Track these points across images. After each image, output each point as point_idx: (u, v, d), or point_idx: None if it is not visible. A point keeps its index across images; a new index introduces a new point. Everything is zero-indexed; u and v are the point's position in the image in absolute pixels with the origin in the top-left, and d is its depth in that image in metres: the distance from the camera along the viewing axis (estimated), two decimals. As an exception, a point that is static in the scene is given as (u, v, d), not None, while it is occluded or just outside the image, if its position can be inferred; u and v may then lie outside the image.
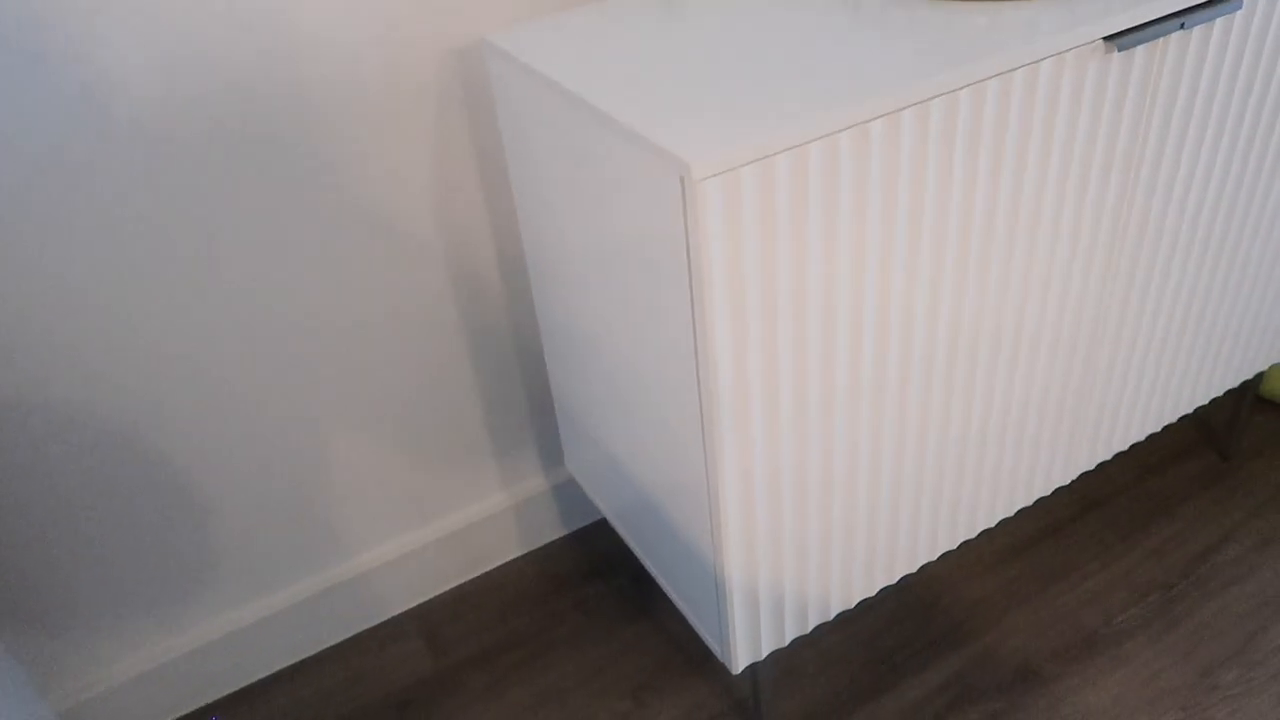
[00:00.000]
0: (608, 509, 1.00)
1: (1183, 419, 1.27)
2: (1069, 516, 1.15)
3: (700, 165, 0.55)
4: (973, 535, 0.91)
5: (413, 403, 1.01)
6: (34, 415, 0.82)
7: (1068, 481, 0.96)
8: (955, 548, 1.04)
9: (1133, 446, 1.23)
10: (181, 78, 0.75)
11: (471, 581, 1.16)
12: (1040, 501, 1.18)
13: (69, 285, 0.79)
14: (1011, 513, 0.93)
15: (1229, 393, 1.25)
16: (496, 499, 1.14)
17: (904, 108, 0.61)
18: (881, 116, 0.60)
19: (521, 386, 1.08)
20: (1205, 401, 1.02)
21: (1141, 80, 0.71)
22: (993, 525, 0.92)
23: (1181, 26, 0.69)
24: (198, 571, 0.98)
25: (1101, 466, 1.21)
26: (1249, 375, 1.05)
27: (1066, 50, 0.65)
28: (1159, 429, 1.00)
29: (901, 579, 1.05)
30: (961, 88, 0.62)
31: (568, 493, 1.18)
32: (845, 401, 0.72)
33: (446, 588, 1.15)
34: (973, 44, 0.65)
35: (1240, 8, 0.71)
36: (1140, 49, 0.69)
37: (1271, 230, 0.92)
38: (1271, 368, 1.26)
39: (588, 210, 0.72)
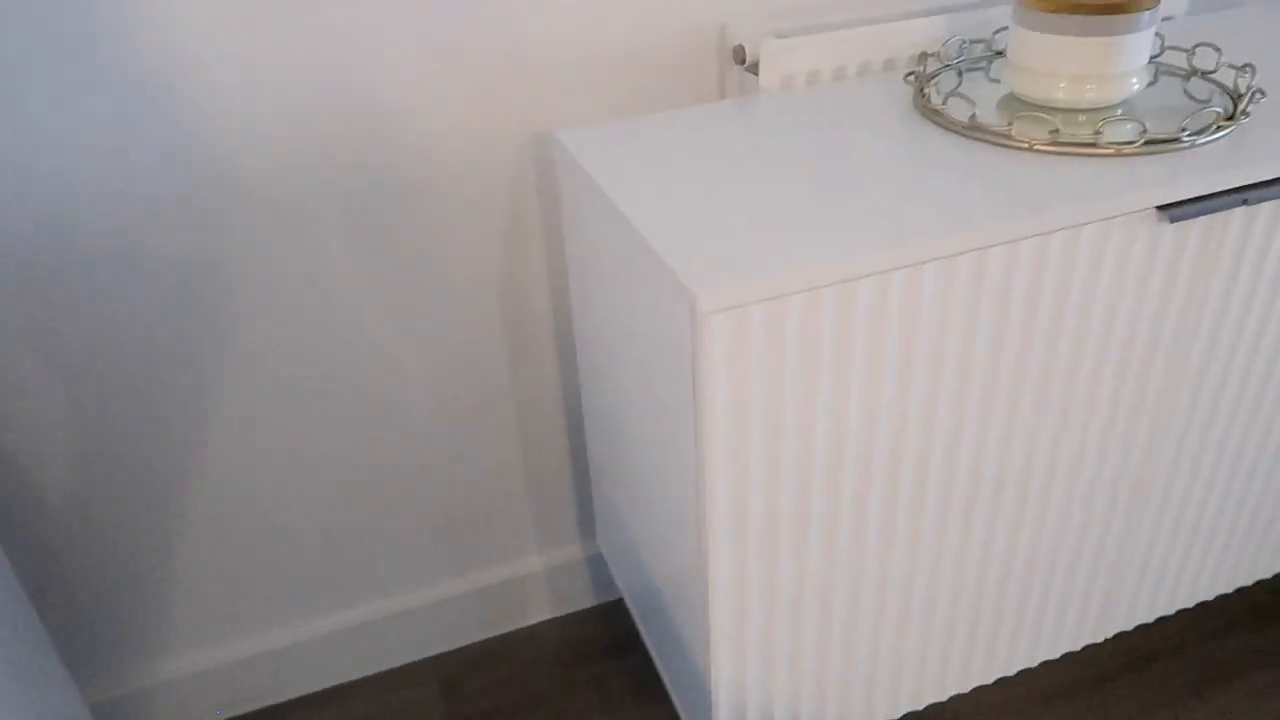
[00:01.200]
0: (624, 589, 1.01)
1: (1259, 583, 1.19)
2: (1117, 670, 1.10)
3: (708, 299, 0.57)
4: (989, 680, 0.88)
5: (462, 458, 1.05)
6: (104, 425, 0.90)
7: (1099, 640, 0.92)
8: (969, 690, 1.00)
9: (1199, 604, 1.16)
10: (286, 145, 0.81)
11: (496, 638, 1.18)
12: (1090, 647, 1.12)
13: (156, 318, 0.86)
14: (1034, 663, 0.90)
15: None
16: (532, 560, 1.17)
17: (928, 260, 0.61)
18: (904, 268, 0.60)
19: (568, 456, 1.11)
20: (1267, 575, 0.96)
21: (1198, 254, 0.69)
22: (1010, 674, 0.89)
23: (1244, 203, 0.67)
24: (239, 589, 1.04)
25: (1160, 621, 1.15)
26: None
27: (1114, 217, 0.64)
28: (1210, 597, 0.95)
29: (907, 713, 1.02)
30: (993, 246, 0.62)
31: (601, 564, 1.20)
32: (850, 536, 0.71)
33: (470, 640, 1.18)
34: (1016, 200, 0.64)
35: (1315, 188, 0.68)
36: (1199, 221, 0.67)
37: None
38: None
39: (621, 309, 0.75)
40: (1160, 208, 0.65)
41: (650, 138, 0.79)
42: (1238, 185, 0.67)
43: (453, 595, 1.14)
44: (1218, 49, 0.81)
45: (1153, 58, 0.85)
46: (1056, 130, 0.71)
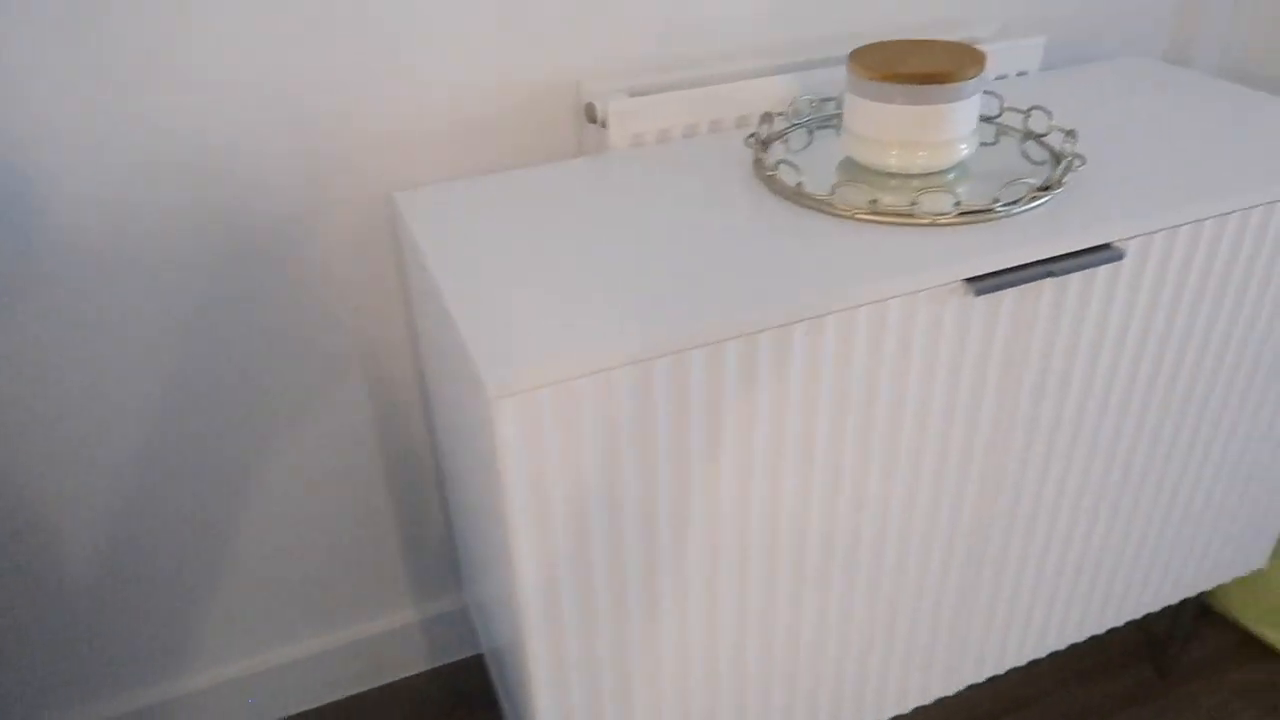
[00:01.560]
0: (484, 644, 0.99)
1: (1129, 623, 1.21)
2: (990, 713, 1.10)
3: (496, 385, 0.56)
4: (842, 738, 0.88)
5: (330, 514, 1.03)
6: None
7: (952, 693, 0.92)
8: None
9: (1071, 647, 1.18)
10: (129, 208, 0.79)
11: (372, 691, 1.16)
12: (969, 690, 1.13)
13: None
14: (906, 710, 0.90)
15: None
16: (407, 613, 1.15)
17: (729, 339, 0.61)
18: (703, 346, 0.60)
19: (439, 508, 1.09)
20: (1118, 624, 0.98)
21: (1012, 324, 0.70)
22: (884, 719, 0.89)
23: (1050, 274, 0.67)
24: (113, 651, 1.01)
25: (1035, 664, 1.16)
26: (1180, 598, 1.00)
27: (920, 291, 0.65)
28: (1061, 646, 0.95)
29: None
30: (795, 322, 0.62)
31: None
32: (673, 616, 0.71)
33: (346, 694, 1.16)
34: (829, 272, 0.64)
35: (1121, 258, 0.69)
36: (1010, 293, 0.68)
37: (1165, 472, 0.88)
38: (1235, 581, 1.19)
39: (446, 377, 0.74)
40: (967, 280, 0.66)
41: (488, 199, 0.78)
42: (1044, 257, 0.67)
43: (325, 649, 1.12)
44: (1049, 112, 0.82)
45: (992, 118, 0.87)
46: (875, 200, 0.71)
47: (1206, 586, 1.02)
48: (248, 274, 0.87)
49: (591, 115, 0.88)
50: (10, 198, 0.77)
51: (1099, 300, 0.72)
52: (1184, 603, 1.09)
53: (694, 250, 0.68)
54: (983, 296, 0.67)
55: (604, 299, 0.63)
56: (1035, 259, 0.67)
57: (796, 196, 0.74)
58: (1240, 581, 1.17)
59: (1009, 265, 0.66)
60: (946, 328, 0.67)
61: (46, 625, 0.97)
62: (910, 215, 0.70)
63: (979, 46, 0.98)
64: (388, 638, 1.15)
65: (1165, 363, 0.79)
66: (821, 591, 0.77)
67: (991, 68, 0.98)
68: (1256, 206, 0.74)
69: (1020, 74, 1.00)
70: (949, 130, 0.75)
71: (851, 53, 0.77)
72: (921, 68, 0.73)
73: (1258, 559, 1.04)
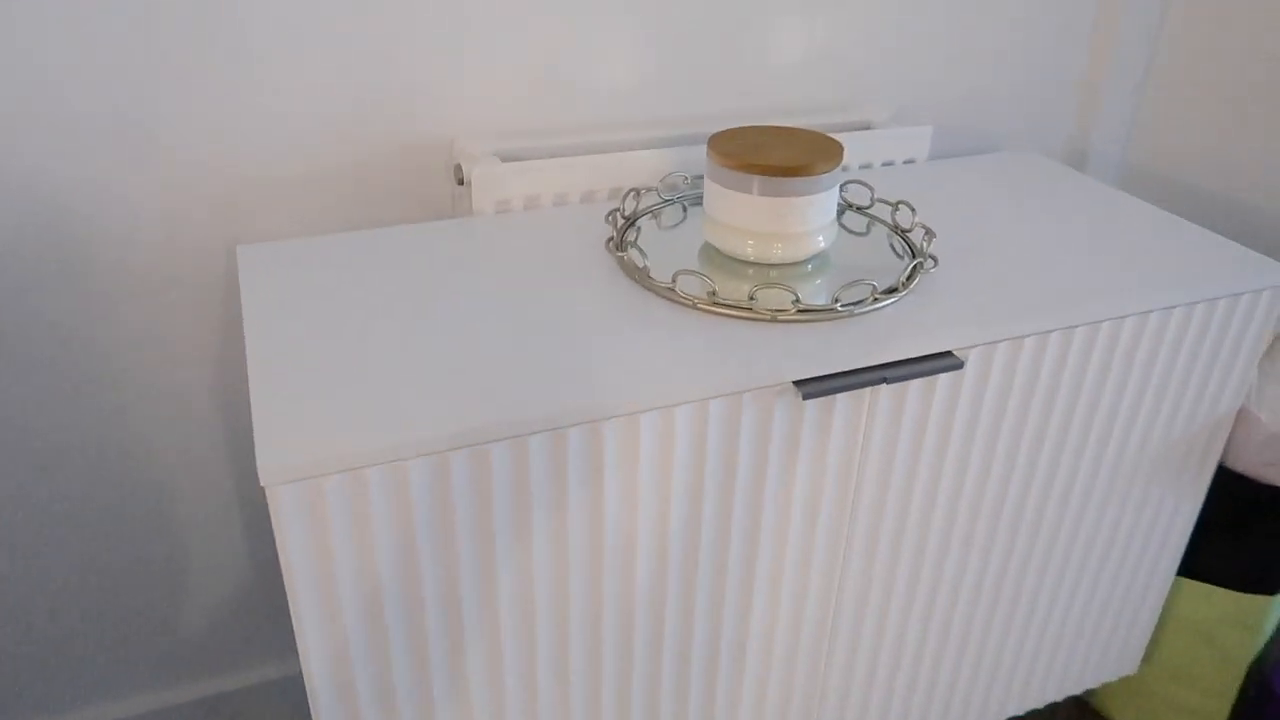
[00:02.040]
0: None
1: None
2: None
3: (271, 471, 0.53)
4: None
5: (188, 565, 0.99)
6: None
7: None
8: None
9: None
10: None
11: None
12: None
13: None
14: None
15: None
16: (267, 669, 1.10)
17: (533, 433, 0.58)
18: (503, 440, 0.58)
19: (302, 562, 1.05)
20: (1017, 713, 0.96)
21: (847, 428, 0.68)
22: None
23: (884, 381, 0.66)
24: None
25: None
26: (1055, 698, 0.99)
27: (743, 391, 0.63)
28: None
29: None
30: (607, 419, 0.60)
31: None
32: (481, 696, 0.68)
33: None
34: (649, 365, 0.62)
35: (960, 367, 0.68)
36: (841, 397, 0.66)
37: (1023, 578, 0.87)
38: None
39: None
40: (796, 383, 0.64)
41: (332, 258, 0.76)
42: (878, 363, 0.66)
43: (178, 703, 1.07)
44: (913, 208, 0.81)
45: (864, 208, 0.86)
46: (714, 292, 0.70)
47: (1080, 689, 1.01)
48: (93, 307, 0.84)
49: (459, 177, 0.86)
50: None
51: (940, 408, 0.71)
52: (1065, 701, 1.07)
53: (524, 331, 0.66)
54: (812, 400, 0.65)
55: (412, 381, 0.60)
56: (868, 364, 0.65)
57: (643, 280, 0.73)
58: (1118, 683, 1.16)
59: (840, 369, 0.65)
60: (775, 430, 0.66)
61: None
62: (749, 309, 0.68)
63: (870, 130, 0.98)
64: (247, 694, 1.10)
65: (1016, 471, 0.78)
66: (647, 684, 0.74)
67: (880, 153, 0.98)
68: (1105, 320, 0.73)
69: (908, 161, 0.99)
70: (805, 222, 0.73)
71: (710, 137, 0.75)
72: (778, 158, 0.72)
73: (1129, 664, 1.03)
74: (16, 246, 0.78)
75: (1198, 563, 0.98)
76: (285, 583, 0.57)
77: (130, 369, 0.87)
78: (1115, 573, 0.92)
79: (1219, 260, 0.80)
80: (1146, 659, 1.05)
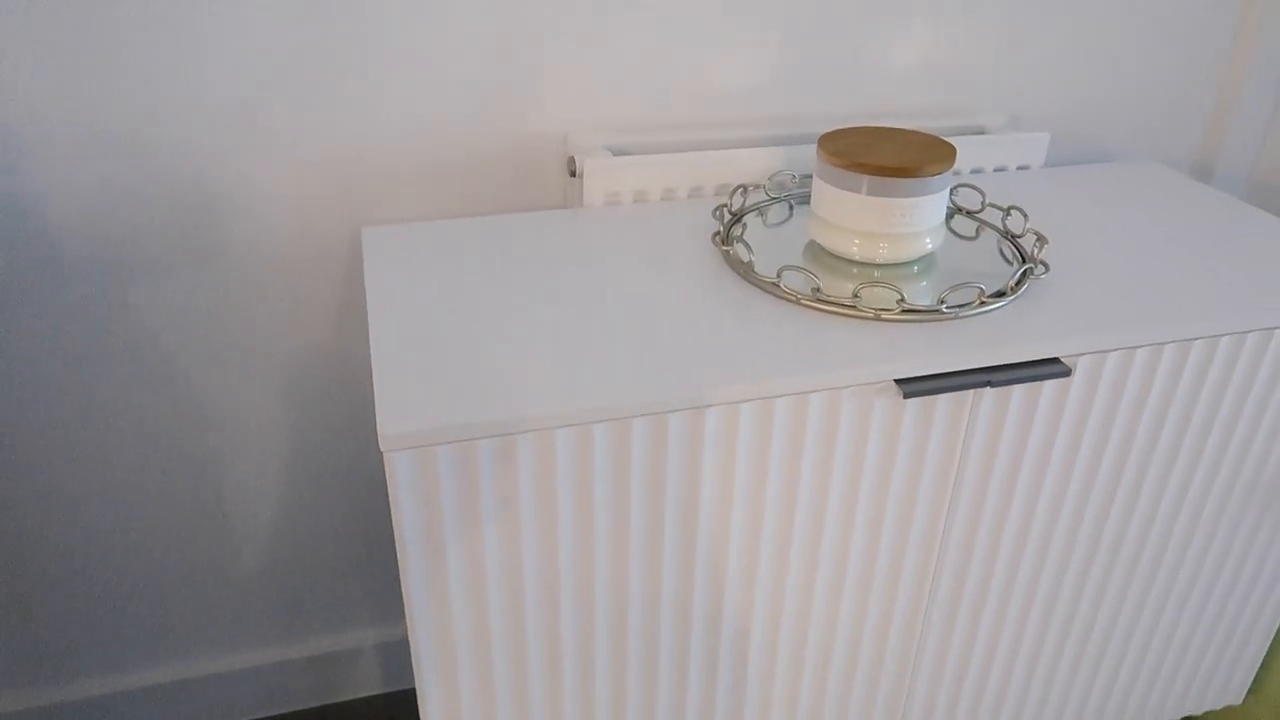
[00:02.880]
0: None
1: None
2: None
3: (391, 437, 0.56)
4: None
5: (297, 527, 1.05)
6: None
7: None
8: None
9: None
10: (112, 218, 0.83)
11: (326, 707, 1.17)
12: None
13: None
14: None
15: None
16: (365, 634, 1.15)
17: (635, 416, 0.60)
18: (605, 421, 0.60)
19: (404, 535, 1.10)
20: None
21: (948, 428, 0.68)
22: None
23: (989, 384, 0.65)
24: (68, 631, 1.04)
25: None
26: (1139, 727, 0.96)
27: (844, 387, 0.63)
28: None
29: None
30: (711, 406, 0.61)
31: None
32: (574, 680, 0.70)
33: (298, 708, 1.17)
34: (761, 357, 0.64)
35: (1068, 374, 0.67)
36: (943, 399, 0.66)
37: (1125, 598, 0.84)
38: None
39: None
40: (898, 381, 0.64)
41: (449, 243, 0.79)
42: (981, 365, 0.65)
43: (281, 660, 1.13)
44: (1025, 213, 0.80)
45: (974, 213, 0.85)
46: (819, 289, 0.70)
47: (1179, 715, 0.98)
48: (230, 289, 0.89)
49: (572, 169, 0.88)
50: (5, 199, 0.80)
51: (1045, 415, 0.70)
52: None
53: (628, 320, 0.68)
54: (914, 399, 0.65)
55: (521, 361, 0.63)
56: (971, 366, 0.65)
57: (748, 274, 0.74)
58: (1220, 712, 1.11)
59: (942, 370, 0.65)
60: (874, 428, 0.66)
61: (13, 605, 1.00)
62: (853, 308, 0.69)
63: (984, 135, 0.97)
64: (345, 657, 1.15)
65: (1122, 487, 0.76)
66: (733, 674, 0.75)
67: (994, 159, 0.96)
68: (1224, 335, 0.71)
69: (1022, 168, 0.98)
70: (912, 224, 0.73)
71: (821, 137, 0.76)
72: (888, 159, 0.72)
73: (1234, 694, 0.99)
74: (156, 217, 0.84)
75: (1314, 596, 0.93)
76: (396, 545, 0.60)
77: (256, 340, 0.92)
78: (1222, 601, 0.89)
79: (1353, 279, 0.76)
80: (1252, 690, 1.01)
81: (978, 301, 0.69)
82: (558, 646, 0.68)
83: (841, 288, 0.73)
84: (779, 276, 0.72)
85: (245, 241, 0.87)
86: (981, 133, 1.00)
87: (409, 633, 0.64)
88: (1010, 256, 0.78)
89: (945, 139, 0.82)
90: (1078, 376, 0.69)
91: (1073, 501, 0.76)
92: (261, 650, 1.12)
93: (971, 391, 0.67)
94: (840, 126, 0.97)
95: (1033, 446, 0.71)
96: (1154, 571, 0.83)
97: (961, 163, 0.95)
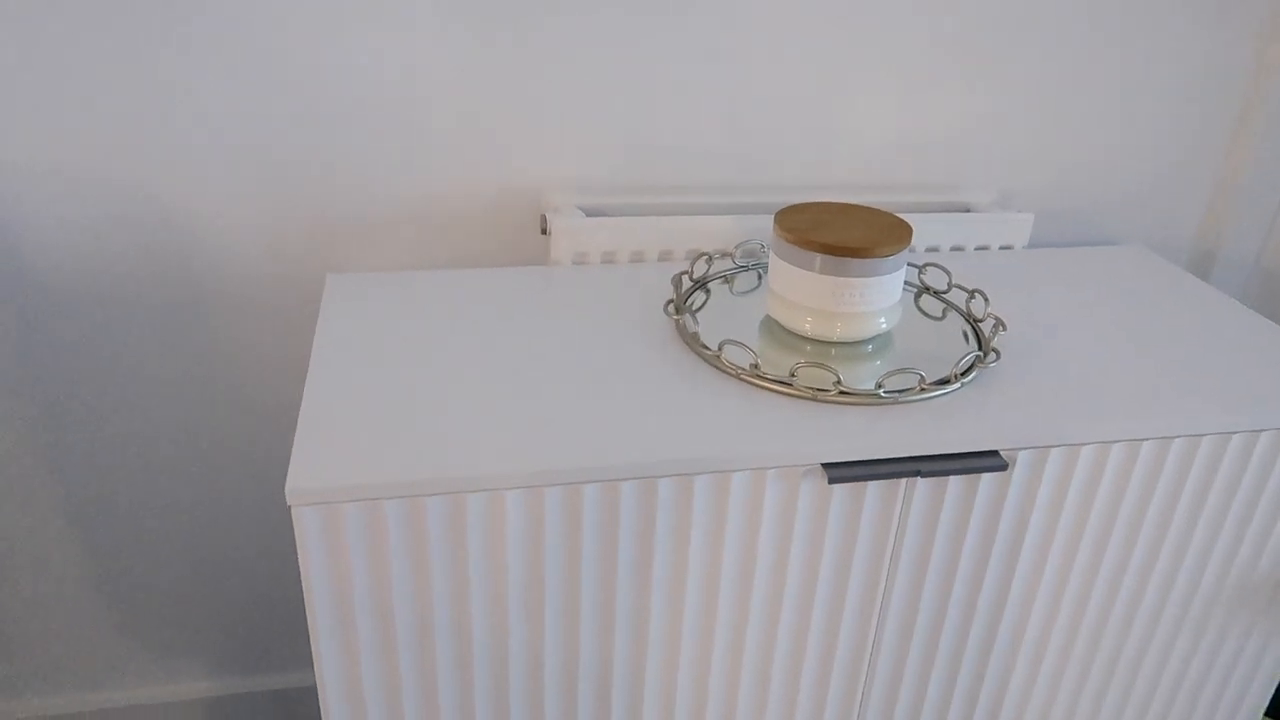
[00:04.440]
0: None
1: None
2: None
3: (297, 492, 0.57)
4: None
5: (271, 559, 1.06)
6: None
7: None
8: None
9: None
10: (91, 253, 0.85)
11: (279, 744, 1.17)
12: None
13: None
14: None
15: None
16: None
17: (549, 485, 0.60)
18: (519, 488, 0.59)
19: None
20: None
21: (880, 517, 0.66)
22: None
23: (918, 474, 0.64)
24: (67, 644, 1.05)
25: None
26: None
27: (768, 468, 0.62)
28: None
29: None
30: (627, 479, 0.61)
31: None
32: (488, 739, 0.69)
33: (254, 742, 1.17)
34: (681, 431, 0.63)
35: (1005, 468, 0.65)
36: (873, 486, 0.65)
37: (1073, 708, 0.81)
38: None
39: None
40: (825, 465, 0.63)
41: (413, 294, 0.80)
42: (914, 454, 0.64)
43: (241, 692, 1.14)
44: (986, 297, 0.79)
45: (940, 293, 0.84)
46: (756, 364, 0.69)
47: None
48: (200, 333, 0.91)
49: (544, 227, 0.89)
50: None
51: (983, 511, 0.68)
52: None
53: (563, 384, 0.68)
54: (840, 485, 0.64)
55: (446, 420, 0.63)
56: (903, 454, 0.64)
57: (694, 344, 0.73)
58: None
59: (872, 456, 0.63)
60: (801, 511, 0.65)
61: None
62: (790, 385, 0.68)
63: (967, 213, 0.96)
64: (307, 693, 1.16)
65: (1069, 589, 0.74)
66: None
67: (976, 237, 0.95)
68: (1177, 437, 0.68)
69: (1004, 247, 0.96)
70: (865, 303, 0.72)
71: (778, 212, 0.76)
72: (842, 237, 0.71)
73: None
74: (127, 260, 0.87)
75: (1295, 711, 0.89)
76: (305, 597, 0.60)
77: (219, 377, 0.94)
78: (1187, 709, 0.85)
79: (1326, 385, 0.74)
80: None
81: (919, 388, 0.68)
82: (469, 700, 0.67)
83: (789, 364, 0.72)
84: (720, 349, 0.71)
85: (216, 287, 0.89)
86: (967, 210, 0.99)
87: (319, 688, 0.64)
88: (972, 340, 0.77)
89: (903, 219, 0.82)
90: (1018, 471, 0.67)
91: (1016, 603, 0.73)
92: (222, 680, 1.13)
93: (904, 480, 0.65)
94: (821, 197, 0.96)
95: (971, 540, 0.69)
96: (1107, 677, 0.80)
97: (941, 240, 0.94)
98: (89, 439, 0.94)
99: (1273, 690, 0.86)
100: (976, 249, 0.96)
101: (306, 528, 0.58)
